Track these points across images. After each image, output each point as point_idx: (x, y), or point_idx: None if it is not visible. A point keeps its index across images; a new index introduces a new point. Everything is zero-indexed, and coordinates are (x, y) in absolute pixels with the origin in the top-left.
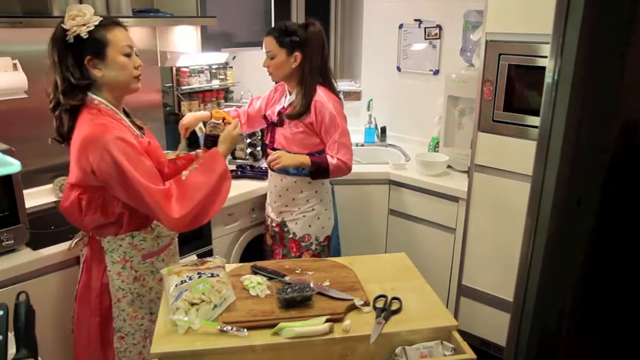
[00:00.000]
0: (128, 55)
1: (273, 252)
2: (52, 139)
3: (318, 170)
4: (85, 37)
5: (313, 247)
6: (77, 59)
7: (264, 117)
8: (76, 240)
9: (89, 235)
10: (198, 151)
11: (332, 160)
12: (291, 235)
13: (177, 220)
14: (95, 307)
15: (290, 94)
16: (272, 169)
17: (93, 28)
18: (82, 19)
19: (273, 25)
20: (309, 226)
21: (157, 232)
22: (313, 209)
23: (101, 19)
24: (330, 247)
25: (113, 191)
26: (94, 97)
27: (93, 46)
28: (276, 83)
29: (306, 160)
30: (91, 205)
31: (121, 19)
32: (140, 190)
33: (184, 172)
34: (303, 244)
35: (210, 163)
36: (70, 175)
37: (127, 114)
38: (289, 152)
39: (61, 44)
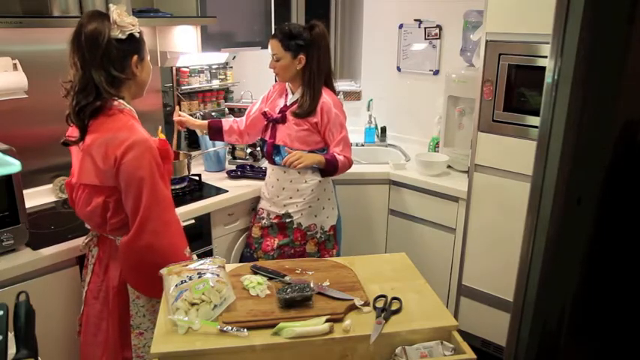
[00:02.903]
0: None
1: (261, 244)
2: (64, 141)
3: (330, 168)
4: (137, 36)
5: (318, 235)
6: (122, 55)
7: (264, 114)
8: (87, 240)
9: (99, 235)
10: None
11: (340, 157)
12: (295, 226)
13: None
14: (114, 306)
15: (293, 93)
16: (269, 167)
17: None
18: (132, 19)
19: (278, 27)
20: (315, 215)
21: None
22: (318, 199)
23: None
24: (336, 236)
25: (125, 192)
26: (115, 97)
27: (139, 46)
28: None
29: (322, 159)
30: (119, 206)
31: None
32: (151, 202)
33: None
34: (308, 233)
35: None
36: (86, 177)
37: None
38: (291, 149)
39: (109, 39)
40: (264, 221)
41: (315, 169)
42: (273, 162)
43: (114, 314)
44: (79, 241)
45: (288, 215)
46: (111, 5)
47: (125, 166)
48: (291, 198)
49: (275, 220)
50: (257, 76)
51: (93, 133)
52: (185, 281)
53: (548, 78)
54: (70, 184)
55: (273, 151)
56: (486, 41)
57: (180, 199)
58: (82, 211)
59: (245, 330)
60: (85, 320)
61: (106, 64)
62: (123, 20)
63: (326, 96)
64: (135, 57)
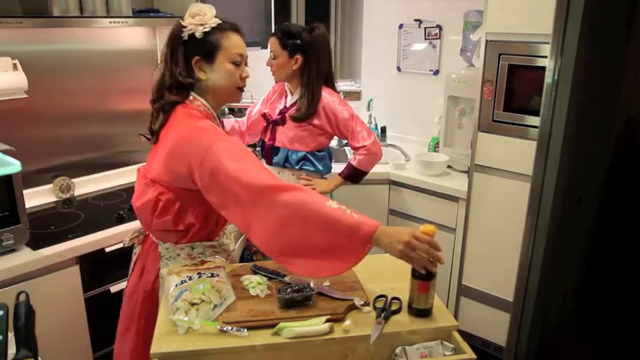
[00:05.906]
0: (237, 64)
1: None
2: (140, 134)
3: (353, 178)
4: (199, 37)
5: None
6: (187, 57)
7: (264, 115)
8: (133, 236)
9: (145, 234)
10: None
11: (355, 161)
12: None
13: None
14: (142, 311)
15: (292, 95)
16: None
17: (209, 29)
18: (200, 19)
19: (278, 25)
20: None
21: (220, 247)
22: None
23: (220, 22)
24: None
25: (209, 195)
26: (197, 97)
27: (204, 47)
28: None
29: (336, 182)
30: (167, 208)
31: (237, 26)
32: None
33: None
34: None
35: (351, 232)
36: (153, 172)
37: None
38: (289, 150)
39: (177, 40)
40: None
41: (313, 171)
42: (270, 163)
43: (140, 319)
44: (79, 241)
45: None
46: (191, 5)
47: (199, 169)
48: None
49: None
50: (257, 76)
51: (171, 129)
52: (185, 281)
53: (548, 78)
54: (139, 172)
55: (272, 152)
56: (486, 41)
57: None
58: (134, 204)
59: (245, 330)
60: (121, 316)
61: (172, 66)
62: (187, 21)
63: (326, 95)
64: (195, 58)
